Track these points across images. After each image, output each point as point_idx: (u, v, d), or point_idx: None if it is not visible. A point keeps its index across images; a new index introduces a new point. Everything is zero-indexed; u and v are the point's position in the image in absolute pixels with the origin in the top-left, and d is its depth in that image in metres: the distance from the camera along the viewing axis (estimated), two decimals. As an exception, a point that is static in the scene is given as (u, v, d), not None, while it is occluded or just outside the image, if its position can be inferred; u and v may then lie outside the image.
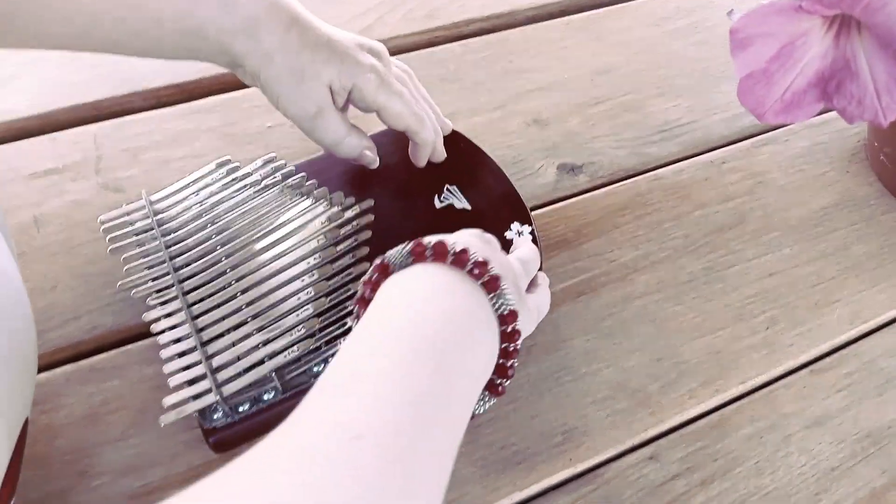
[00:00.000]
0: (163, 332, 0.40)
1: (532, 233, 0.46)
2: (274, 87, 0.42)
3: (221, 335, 0.40)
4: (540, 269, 0.42)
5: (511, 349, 0.33)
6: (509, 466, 0.41)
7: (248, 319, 0.40)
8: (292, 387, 0.39)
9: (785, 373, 0.46)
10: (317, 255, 0.42)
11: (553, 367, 0.45)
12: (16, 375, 0.31)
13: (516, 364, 0.34)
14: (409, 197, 0.48)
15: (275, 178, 0.47)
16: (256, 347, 0.39)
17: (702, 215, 0.54)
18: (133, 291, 0.42)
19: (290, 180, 0.47)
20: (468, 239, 0.34)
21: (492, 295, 0.32)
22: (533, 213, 0.52)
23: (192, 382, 0.38)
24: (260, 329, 0.40)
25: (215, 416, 0.38)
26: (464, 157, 0.50)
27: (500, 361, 0.33)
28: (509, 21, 0.71)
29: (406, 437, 0.24)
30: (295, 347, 0.39)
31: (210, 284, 0.42)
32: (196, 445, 0.39)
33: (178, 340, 0.40)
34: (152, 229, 0.45)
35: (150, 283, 0.42)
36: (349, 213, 0.45)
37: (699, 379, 0.45)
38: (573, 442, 0.42)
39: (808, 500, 0.40)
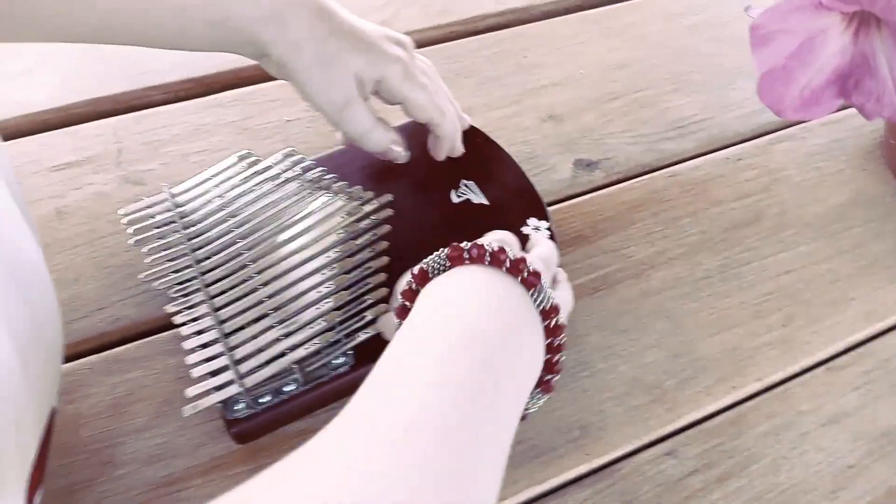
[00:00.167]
0: (185, 323, 0.41)
1: (549, 228, 0.46)
2: (301, 75, 0.41)
3: (243, 327, 0.40)
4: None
5: (556, 344, 0.33)
6: (526, 460, 0.41)
7: (270, 312, 0.40)
8: (313, 379, 0.39)
9: (801, 370, 0.46)
10: (336, 249, 0.43)
11: (569, 362, 0.45)
12: (44, 365, 0.32)
13: (563, 359, 0.34)
14: (427, 192, 0.48)
15: (294, 171, 0.47)
16: (277, 340, 0.39)
17: (718, 212, 0.54)
18: (155, 283, 0.42)
19: (309, 174, 0.47)
20: (500, 237, 0.34)
21: (532, 291, 0.32)
22: (549, 208, 0.52)
23: (214, 374, 0.39)
24: (281, 322, 0.40)
25: (237, 408, 0.38)
26: (481, 152, 0.51)
27: (547, 357, 0.33)
28: (524, 16, 0.71)
29: (458, 429, 0.24)
30: (315, 340, 0.39)
31: (231, 277, 0.42)
32: (218, 436, 0.40)
33: (200, 332, 0.40)
34: (174, 222, 0.45)
35: (172, 276, 0.43)
36: (368, 208, 0.45)
37: (715, 375, 0.45)
38: (590, 437, 0.42)
39: (824, 497, 0.41)
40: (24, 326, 0.29)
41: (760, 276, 0.50)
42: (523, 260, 0.32)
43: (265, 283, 0.42)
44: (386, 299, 0.41)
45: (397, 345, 0.28)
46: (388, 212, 0.45)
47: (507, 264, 0.32)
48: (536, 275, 0.32)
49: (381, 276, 0.42)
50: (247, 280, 0.42)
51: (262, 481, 0.21)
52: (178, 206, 0.46)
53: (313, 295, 0.41)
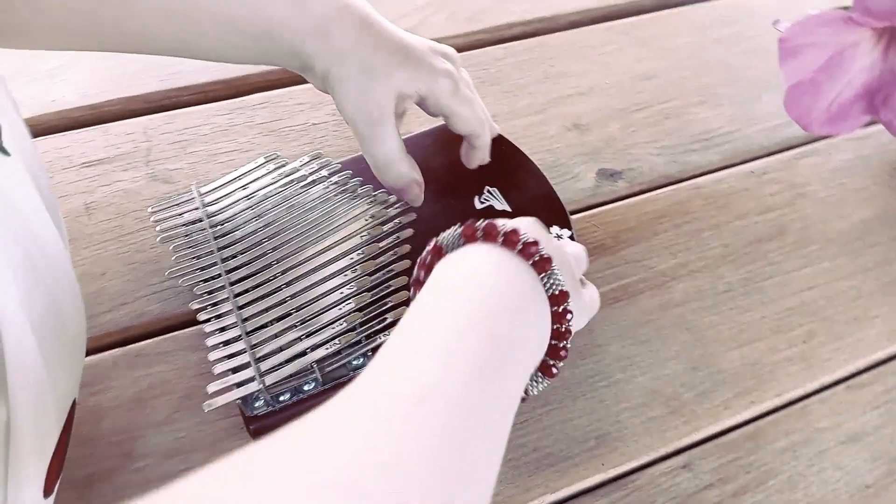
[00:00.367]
0: (208, 320, 0.41)
1: (571, 237, 0.46)
2: (340, 84, 0.41)
3: (265, 326, 0.41)
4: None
5: (563, 330, 0.33)
6: (541, 468, 0.41)
7: (292, 311, 0.41)
8: (332, 379, 0.40)
9: (821, 387, 0.46)
10: (360, 251, 0.43)
11: (588, 371, 0.45)
12: (65, 356, 0.33)
13: (569, 346, 0.34)
14: (451, 197, 0.49)
15: (320, 174, 0.48)
16: (299, 339, 0.40)
17: (741, 225, 0.54)
18: (181, 280, 0.43)
19: (335, 177, 0.48)
20: (524, 222, 0.34)
21: (542, 275, 0.32)
22: (572, 217, 0.52)
23: (235, 371, 0.39)
24: (303, 321, 0.41)
25: (257, 405, 0.39)
26: (505, 159, 0.51)
27: (553, 342, 0.34)
28: (551, 25, 0.71)
29: (467, 402, 0.25)
30: (336, 340, 0.40)
31: (256, 276, 0.43)
32: (236, 433, 0.40)
33: (223, 329, 0.41)
34: (201, 220, 0.46)
35: (198, 273, 0.43)
36: (392, 211, 0.46)
37: (734, 390, 0.45)
38: (606, 447, 0.42)
39: (841, 515, 0.40)
40: (47, 318, 0.30)
41: (782, 291, 0.50)
42: (536, 244, 0.32)
43: (288, 283, 0.42)
44: (407, 302, 0.41)
45: (410, 318, 0.29)
46: (412, 216, 0.46)
47: (520, 246, 0.32)
48: (547, 259, 0.32)
49: (403, 280, 0.42)
50: (270, 279, 0.42)
51: (271, 443, 0.22)
52: (205, 205, 0.47)
53: (335, 296, 0.41)
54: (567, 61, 0.66)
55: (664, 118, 0.62)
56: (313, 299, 0.41)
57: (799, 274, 0.51)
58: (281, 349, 0.40)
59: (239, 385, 0.39)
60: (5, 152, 0.29)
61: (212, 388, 0.38)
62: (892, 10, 0.36)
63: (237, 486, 0.19)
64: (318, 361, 0.39)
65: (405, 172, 0.44)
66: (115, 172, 0.54)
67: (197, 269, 0.44)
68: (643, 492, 0.41)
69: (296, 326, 0.40)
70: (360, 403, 0.24)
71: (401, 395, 0.24)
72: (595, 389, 0.44)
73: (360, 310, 0.41)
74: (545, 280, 0.32)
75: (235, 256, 0.44)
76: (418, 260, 0.35)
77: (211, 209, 0.47)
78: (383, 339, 0.40)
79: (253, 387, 0.38)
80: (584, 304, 0.38)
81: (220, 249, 0.44)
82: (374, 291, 0.42)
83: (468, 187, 0.49)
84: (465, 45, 0.68)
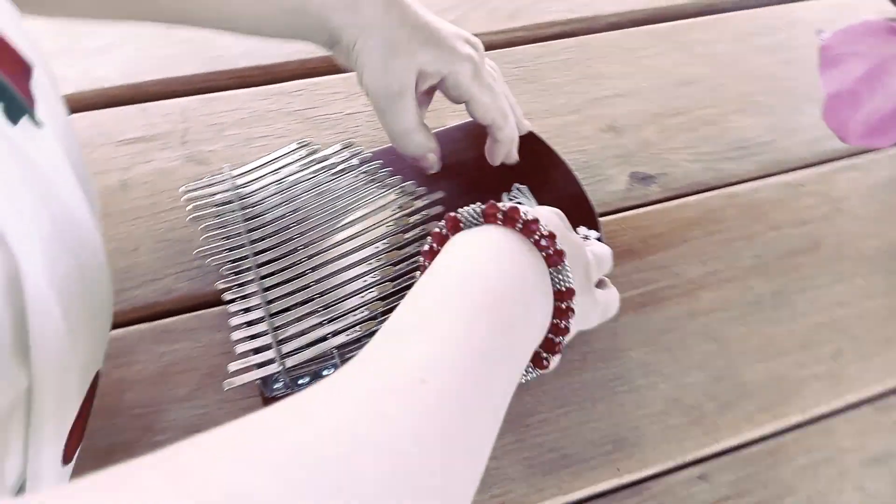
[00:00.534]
0: (234, 301, 0.42)
1: (599, 239, 0.46)
2: (364, 57, 0.42)
3: (289, 309, 0.41)
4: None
5: (562, 326, 0.33)
6: (556, 469, 0.41)
7: (316, 296, 0.41)
8: (351, 366, 0.40)
9: (847, 406, 0.45)
10: (385, 241, 0.43)
11: (608, 375, 0.45)
12: (90, 327, 0.33)
13: (564, 342, 0.34)
14: (479, 192, 0.48)
15: (351, 163, 0.48)
16: (321, 324, 0.40)
17: (775, 237, 0.53)
18: (209, 260, 0.44)
19: (365, 166, 0.48)
20: (546, 213, 0.34)
21: (552, 269, 0.32)
22: (601, 219, 0.52)
23: (257, 351, 0.40)
24: (326, 307, 0.41)
25: (276, 386, 0.39)
26: (537, 157, 0.51)
27: (550, 336, 0.34)
28: (591, 26, 0.71)
29: (466, 385, 0.25)
30: (357, 328, 0.40)
31: (282, 260, 0.43)
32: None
33: (247, 310, 0.41)
34: (232, 202, 0.46)
35: (226, 254, 0.44)
36: (419, 203, 0.46)
37: (758, 403, 0.44)
38: (623, 452, 0.42)
39: (860, 537, 0.40)
40: (73, 288, 0.30)
41: (813, 305, 0.49)
42: (552, 237, 0.32)
43: (314, 269, 0.42)
44: None
45: (420, 291, 0.29)
46: (439, 208, 0.46)
47: (536, 236, 0.32)
48: (560, 253, 0.32)
49: (427, 272, 0.42)
50: (296, 264, 0.43)
51: (276, 410, 0.22)
52: (237, 187, 0.47)
53: (359, 283, 0.41)
54: (606, 63, 0.66)
55: (702, 124, 0.61)
56: (337, 286, 0.42)
57: (831, 290, 0.50)
58: (303, 333, 0.40)
59: (260, 366, 0.39)
60: (38, 124, 0.29)
61: (233, 367, 0.39)
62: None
63: (223, 458, 0.20)
64: (339, 347, 0.40)
65: (421, 142, 0.45)
66: (152, 151, 0.54)
67: (225, 250, 0.44)
68: (657, 500, 0.40)
69: (318, 311, 0.41)
70: (362, 379, 0.24)
71: (401, 375, 0.24)
72: (615, 394, 0.44)
73: (382, 299, 0.41)
74: (554, 274, 0.33)
75: (263, 239, 0.44)
76: (432, 231, 0.35)
77: (242, 191, 0.47)
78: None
79: (273, 368, 0.39)
80: (596, 305, 0.37)
81: (248, 231, 0.45)
82: (398, 281, 0.42)
83: (497, 183, 0.49)
84: (504, 42, 0.68)
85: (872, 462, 0.42)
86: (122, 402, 0.41)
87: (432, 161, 0.47)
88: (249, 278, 0.43)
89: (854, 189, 0.56)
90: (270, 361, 0.39)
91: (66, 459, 0.32)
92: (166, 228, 0.49)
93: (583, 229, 0.46)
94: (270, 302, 0.41)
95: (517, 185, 0.49)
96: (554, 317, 0.33)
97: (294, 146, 0.50)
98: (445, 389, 0.24)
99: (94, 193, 0.38)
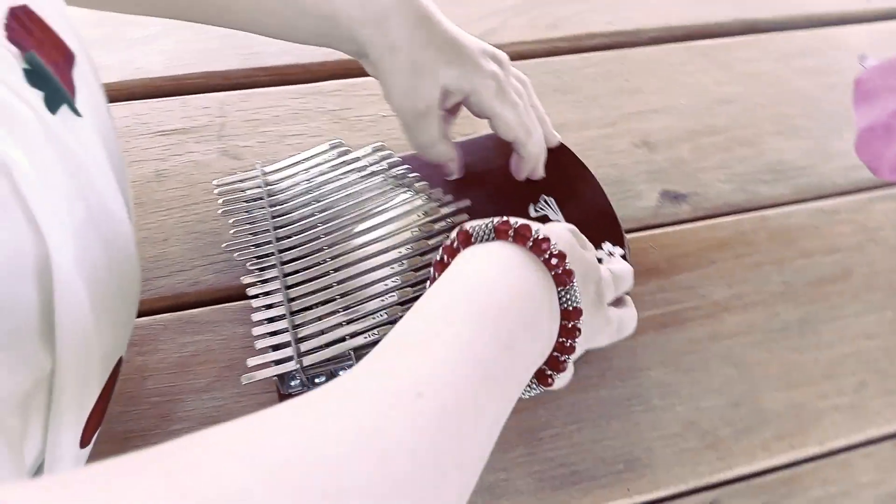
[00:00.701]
0: (257, 296, 0.42)
1: (623, 256, 0.45)
2: (390, 77, 0.43)
3: (310, 308, 0.42)
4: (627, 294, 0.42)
5: (568, 345, 0.33)
6: (565, 485, 0.41)
7: (336, 297, 0.42)
8: (368, 369, 0.40)
9: (867, 441, 0.44)
10: (408, 246, 0.43)
11: (625, 394, 0.44)
12: (116, 315, 0.34)
13: (570, 360, 0.34)
14: (505, 202, 0.49)
15: (381, 166, 0.48)
16: (340, 325, 0.41)
17: (805, 264, 0.52)
18: (236, 254, 0.44)
19: (394, 170, 0.48)
20: (559, 231, 0.34)
21: (560, 288, 0.33)
22: (629, 235, 0.52)
23: (276, 348, 0.40)
24: (346, 308, 0.41)
25: (293, 384, 0.40)
26: (565, 169, 0.50)
27: (554, 354, 0.34)
28: (632, 39, 0.70)
29: (465, 402, 0.25)
30: (375, 331, 0.40)
31: (306, 259, 0.44)
32: (271, 409, 0.41)
33: (269, 307, 0.42)
34: (261, 198, 0.47)
35: (252, 249, 0.45)
36: (445, 210, 0.46)
37: (775, 431, 0.43)
38: (634, 472, 0.41)
39: (873, 576, 0.39)
40: (101, 275, 0.31)
41: (840, 336, 0.48)
42: (562, 256, 0.32)
43: (336, 269, 0.43)
44: None
45: (425, 303, 0.29)
46: (464, 216, 0.46)
47: (546, 254, 0.32)
48: (569, 273, 0.32)
49: (448, 279, 0.43)
50: (320, 264, 0.43)
51: (277, 412, 0.22)
52: (267, 184, 0.48)
53: (379, 287, 0.42)
54: (644, 77, 0.65)
55: (737, 145, 0.60)
56: (358, 287, 0.42)
57: (859, 321, 0.49)
58: (322, 332, 0.41)
59: (278, 363, 0.40)
60: (78, 114, 0.30)
61: (251, 362, 0.39)
62: None
63: (219, 456, 0.20)
64: (356, 349, 0.40)
65: (444, 151, 0.46)
66: (188, 143, 0.55)
67: (252, 246, 0.45)
68: (666, 522, 0.40)
69: (338, 312, 0.41)
70: (361, 388, 0.24)
71: (399, 388, 0.24)
72: (631, 413, 0.44)
73: (401, 303, 0.41)
74: (562, 293, 0.33)
75: (289, 237, 0.45)
76: (443, 244, 0.35)
77: (272, 188, 0.48)
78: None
79: (290, 366, 0.39)
80: (607, 324, 0.37)
81: (275, 228, 0.45)
82: (418, 287, 0.42)
83: (524, 194, 0.49)
84: (543, 51, 0.68)
85: (890, 499, 0.41)
86: (143, 389, 0.42)
87: (452, 168, 0.48)
88: (273, 275, 0.43)
89: (890, 219, 0.55)
90: (288, 359, 0.39)
91: (84, 442, 0.32)
92: (197, 220, 0.50)
93: (607, 245, 0.46)
94: (292, 300, 0.42)
95: (544, 196, 0.49)
96: (560, 335, 0.33)
97: (325, 146, 0.50)
98: (442, 404, 0.24)
99: (127, 184, 0.39)
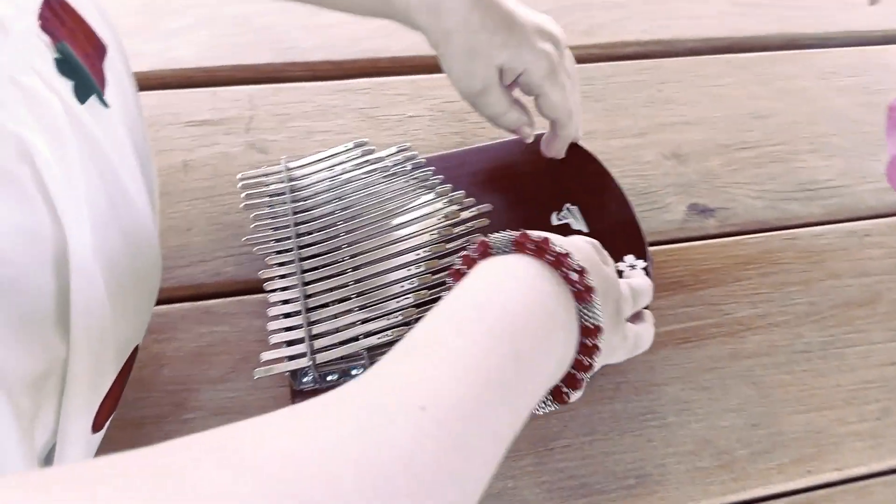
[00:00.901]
0: (274, 291, 0.43)
1: (646, 269, 0.45)
2: (447, 61, 0.44)
3: (326, 305, 0.42)
4: (646, 308, 0.41)
5: (586, 363, 0.33)
6: (573, 497, 0.40)
7: (353, 296, 0.42)
8: (380, 369, 0.40)
9: (887, 470, 0.43)
10: (427, 249, 0.43)
11: (640, 408, 0.44)
12: (134, 304, 0.34)
13: (587, 379, 0.34)
14: (528, 209, 0.48)
15: (404, 167, 0.48)
16: (355, 324, 0.41)
17: (832, 286, 0.51)
18: (256, 248, 0.45)
19: (417, 172, 0.48)
20: (580, 245, 0.34)
21: (581, 305, 0.32)
22: (653, 248, 0.51)
23: (290, 344, 0.40)
24: (362, 307, 0.41)
25: (305, 380, 0.40)
26: (591, 178, 0.50)
27: (572, 371, 0.33)
28: (668, 49, 0.69)
29: (470, 417, 0.24)
30: (390, 332, 0.40)
31: (325, 256, 0.44)
32: (284, 403, 0.41)
33: (286, 302, 0.42)
34: (284, 194, 0.47)
35: (273, 244, 0.45)
36: (466, 214, 0.46)
37: (793, 455, 0.42)
38: (645, 488, 0.41)
39: None
40: (120, 265, 0.31)
41: (864, 361, 0.47)
42: (582, 272, 0.32)
43: (355, 268, 0.43)
44: None
45: (438, 312, 0.29)
46: (485, 221, 0.46)
47: (566, 269, 0.32)
48: (590, 290, 0.32)
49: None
50: (338, 262, 0.43)
51: (275, 418, 0.22)
52: (291, 179, 0.48)
53: (396, 288, 0.42)
54: (677, 88, 0.65)
55: (770, 161, 0.59)
56: (375, 287, 0.42)
57: (885, 346, 0.47)
58: (337, 330, 0.41)
59: (291, 358, 0.40)
60: (106, 105, 0.30)
61: (265, 356, 0.40)
62: None
63: (209, 460, 0.20)
64: (370, 348, 0.40)
65: (515, 119, 0.47)
66: (216, 135, 0.56)
67: (272, 241, 0.45)
68: (675, 542, 0.39)
69: (354, 311, 0.41)
70: (366, 396, 0.24)
71: (403, 399, 0.24)
72: (645, 428, 0.43)
73: (417, 306, 0.41)
74: (582, 310, 0.32)
75: (310, 234, 0.45)
76: (462, 253, 0.35)
77: (295, 184, 0.48)
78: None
79: (303, 362, 0.39)
80: (625, 341, 0.37)
81: (296, 224, 0.45)
82: (434, 290, 0.42)
83: (548, 201, 0.48)
84: (577, 57, 0.66)
85: (909, 533, 0.40)
86: (158, 377, 0.42)
87: (526, 133, 0.49)
88: (291, 270, 0.43)
89: (924, 244, 0.54)
90: (302, 355, 0.40)
91: (97, 428, 0.33)
92: (221, 212, 0.51)
93: (630, 258, 0.45)
94: (309, 296, 0.42)
95: (568, 205, 0.48)
96: (578, 352, 0.33)
97: (350, 145, 0.50)
98: (445, 418, 0.24)
99: (153, 174, 0.39)
